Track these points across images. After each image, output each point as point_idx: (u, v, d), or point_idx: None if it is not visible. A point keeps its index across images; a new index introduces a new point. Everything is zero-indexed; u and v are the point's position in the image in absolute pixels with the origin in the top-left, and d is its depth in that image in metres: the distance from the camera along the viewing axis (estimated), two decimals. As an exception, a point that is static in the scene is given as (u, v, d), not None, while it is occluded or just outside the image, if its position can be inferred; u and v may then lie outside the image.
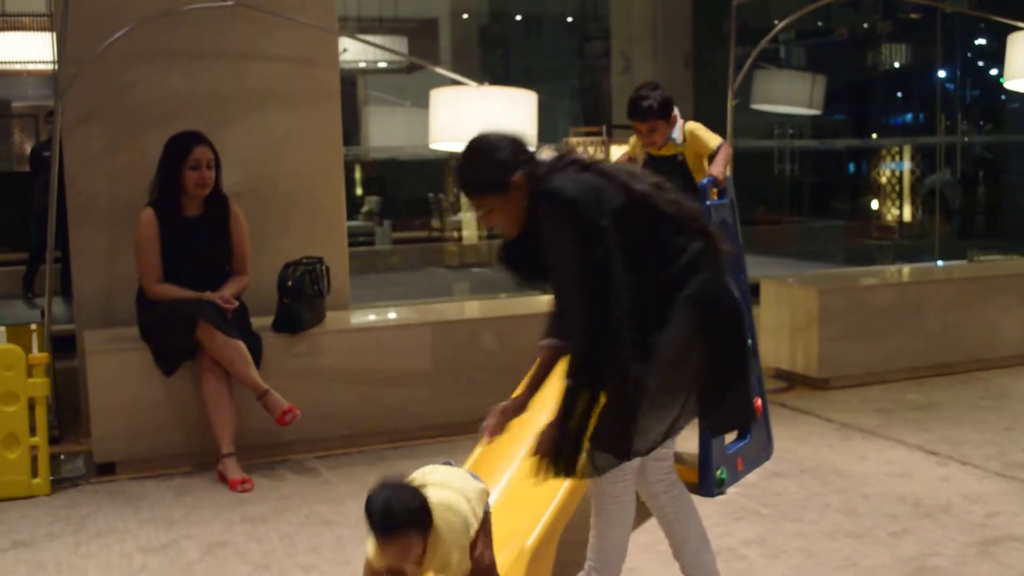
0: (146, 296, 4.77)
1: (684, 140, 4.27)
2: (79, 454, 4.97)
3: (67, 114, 5.07)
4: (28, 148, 10.53)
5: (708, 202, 4.21)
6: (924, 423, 5.22)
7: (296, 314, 4.90)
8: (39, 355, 4.50)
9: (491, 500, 3.54)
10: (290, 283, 4.90)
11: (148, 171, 4.85)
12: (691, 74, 13.47)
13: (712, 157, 4.26)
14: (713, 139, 4.24)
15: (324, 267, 5.14)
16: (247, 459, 4.65)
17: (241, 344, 4.56)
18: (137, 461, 4.69)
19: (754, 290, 5.79)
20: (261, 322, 4.91)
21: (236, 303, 4.73)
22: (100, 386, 4.63)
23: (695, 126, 4.26)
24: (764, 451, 4.66)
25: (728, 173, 4.34)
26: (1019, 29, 6.05)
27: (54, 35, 5.10)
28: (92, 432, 4.67)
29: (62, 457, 4.91)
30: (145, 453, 4.70)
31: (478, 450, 3.70)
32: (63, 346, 5.57)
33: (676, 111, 4.26)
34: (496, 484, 3.63)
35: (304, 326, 4.94)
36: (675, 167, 4.25)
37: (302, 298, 4.93)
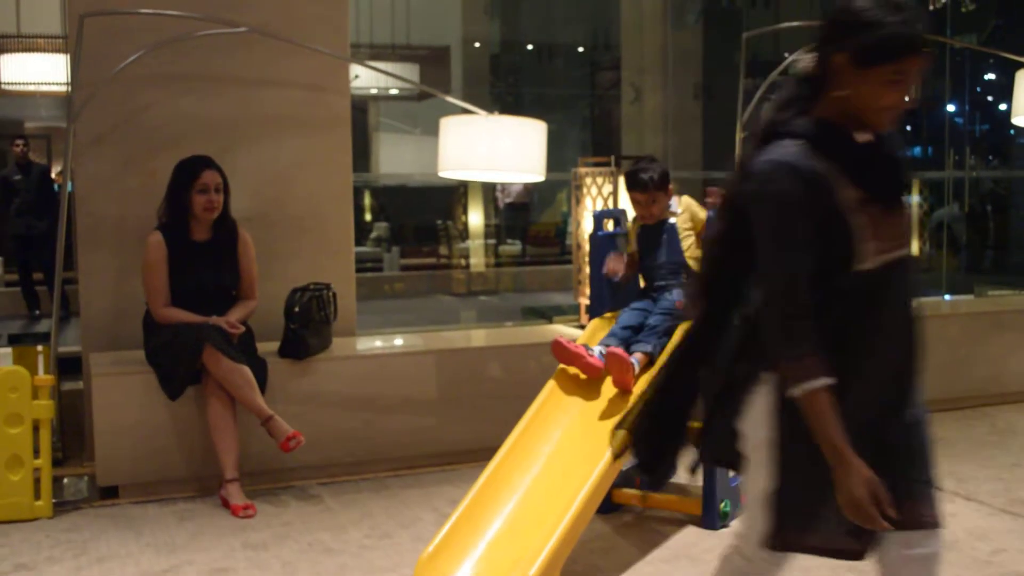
0: (153, 319, 4.78)
1: (681, 211, 4.32)
2: (82, 477, 4.97)
3: (79, 136, 5.10)
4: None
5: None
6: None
7: (302, 340, 4.90)
8: (44, 377, 4.51)
9: (494, 528, 3.55)
10: (297, 309, 4.91)
11: (158, 195, 4.86)
12: (701, 105, 13.52)
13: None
14: (702, 211, 4.32)
15: (331, 293, 5.15)
16: (250, 485, 4.64)
17: (246, 369, 4.56)
18: (140, 485, 4.68)
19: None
20: (267, 347, 4.92)
21: (242, 328, 4.74)
22: (104, 409, 4.63)
23: (689, 200, 4.33)
24: (769, 484, 4.63)
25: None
26: (1028, 66, 6.06)
27: (68, 57, 5.13)
28: (96, 455, 4.67)
29: (65, 480, 4.91)
30: (148, 477, 4.69)
31: (483, 477, 3.69)
32: (69, 368, 5.58)
33: (672, 184, 4.35)
34: (500, 512, 3.61)
35: (310, 352, 4.94)
36: (666, 230, 4.27)
37: (308, 324, 4.93)
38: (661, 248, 4.25)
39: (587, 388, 4.06)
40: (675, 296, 4.18)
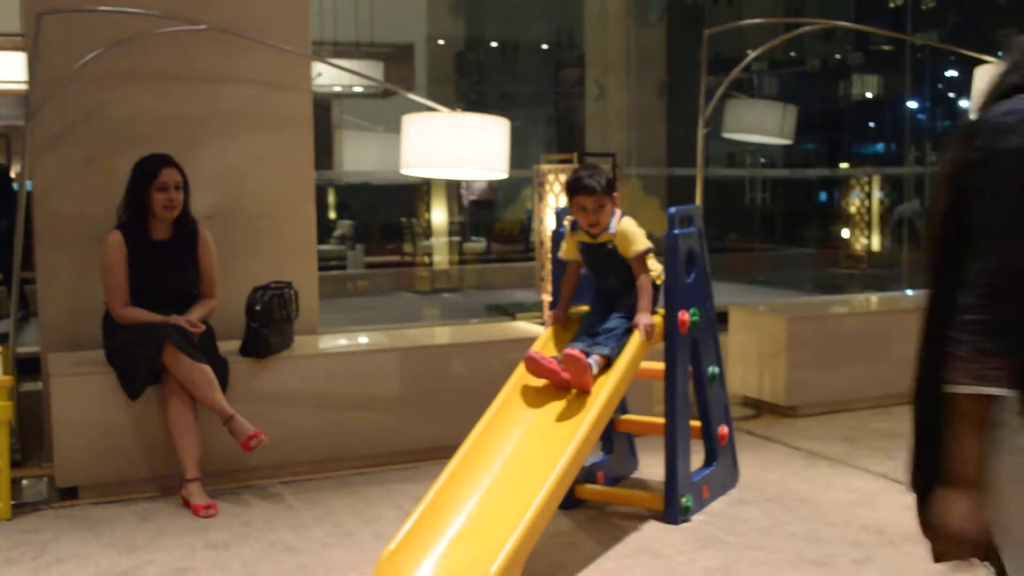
0: (112, 319, 4.75)
1: (615, 230, 4.19)
2: (41, 478, 4.92)
3: (37, 135, 5.05)
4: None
5: (676, 231, 4.24)
6: (889, 451, 5.25)
7: (263, 338, 4.89)
8: (2, 378, 4.46)
9: (456, 525, 3.56)
10: (258, 307, 4.89)
11: (117, 194, 4.83)
12: (664, 103, 13.58)
13: (634, 263, 4.18)
14: (639, 243, 4.16)
15: (293, 291, 5.13)
16: (212, 484, 4.62)
17: (207, 368, 4.54)
18: (100, 486, 4.65)
19: (722, 318, 5.81)
20: (228, 346, 4.90)
21: (203, 327, 4.71)
22: (64, 409, 4.59)
23: (627, 224, 4.19)
24: (730, 478, 4.67)
25: (698, 203, 4.36)
26: (986, 62, 6.13)
27: (26, 55, 5.09)
28: (55, 456, 4.63)
29: (24, 481, 4.87)
30: (108, 478, 4.66)
31: (444, 475, 3.69)
32: (28, 369, 5.53)
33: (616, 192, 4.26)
34: (462, 510, 3.62)
35: (272, 351, 4.92)
36: (608, 253, 4.20)
37: (270, 323, 4.92)
38: (608, 269, 4.23)
39: (549, 386, 4.08)
40: (633, 300, 4.19)
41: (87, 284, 5.03)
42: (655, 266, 4.26)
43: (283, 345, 5.02)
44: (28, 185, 5.14)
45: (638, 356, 4.15)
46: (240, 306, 4.92)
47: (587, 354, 4.03)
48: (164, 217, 4.77)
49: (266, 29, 5.35)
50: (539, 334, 4.40)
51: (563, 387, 4.03)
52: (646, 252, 4.20)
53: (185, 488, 4.49)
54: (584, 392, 3.98)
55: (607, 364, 4.06)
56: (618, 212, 4.24)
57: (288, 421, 4.89)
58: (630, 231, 4.19)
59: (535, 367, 4.01)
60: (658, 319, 4.24)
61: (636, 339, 4.12)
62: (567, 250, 4.35)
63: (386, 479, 4.88)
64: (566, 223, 4.36)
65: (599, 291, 4.34)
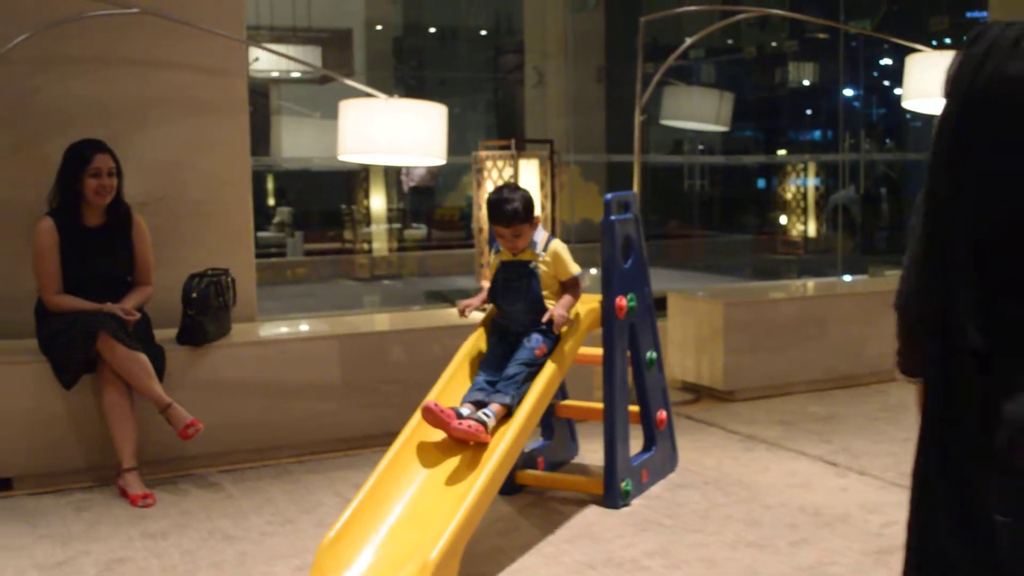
0: (45, 307, 4.67)
1: (545, 249, 4.11)
2: (-26, 469, 4.84)
3: (-35, 120, 4.96)
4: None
5: (612, 216, 4.26)
6: (825, 435, 5.33)
7: (200, 326, 4.84)
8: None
9: (396, 512, 3.55)
10: (194, 295, 4.84)
11: (48, 180, 4.75)
12: (603, 89, 13.62)
13: (565, 285, 4.14)
14: (573, 266, 4.11)
15: (230, 279, 5.08)
16: (149, 474, 4.57)
17: (143, 356, 4.49)
18: (35, 476, 4.58)
19: (660, 303, 5.85)
20: (165, 334, 4.84)
21: (138, 315, 4.65)
22: (-4, 399, 4.52)
23: (559, 247, 4.13)
24: (669, 462, 4.71)
25: (635, 190, 4.37)
26: (917, 51, 6.22)
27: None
28: (-13, 446, 4.56)
29: (-44, 472, 4.78)
30: (43, 468, 4.59)
31: (384, 462, 3.69)
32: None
33: (537, 213, 4.14)
34: (402, 496, 3.62)
35: (208, 338, 4.88)
36: (527, 273, 4.08)
37: (207, 310, 4.87)
38: (521, 292, 4.08)
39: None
40: (534, 343, 4.01)
41: (18, 272, 4.94)
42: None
43: (220, 333, 4.98)
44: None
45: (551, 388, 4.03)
46: (176, 294, 4.87)
47: (485, 403, 3.84)
48: (97, 203, 4.70)
49: (201, 13, 5.28)
50: (477, 321, 4.36)
51: (460, 441, 3.79)
52: (575, 282, 4.13)
53: (122, 478, 4.44)
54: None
55: (507, 413, 3.84)
56: (545, 233, 4.16)
57: (226, 409, 4.86)
58: (563, 254, 4.10)
59: (433, 419, 3.73)
60: (594, 306, 4.26)
61: (545, 376, 3.97)
62: (490, 270, 4.24)
63: (326, 467, 4.86)
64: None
65: (500, 327, 4.16)
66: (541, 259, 4.09)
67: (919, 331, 1.92)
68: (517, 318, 4.10)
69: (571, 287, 4.14)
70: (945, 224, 1.83)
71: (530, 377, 3.95)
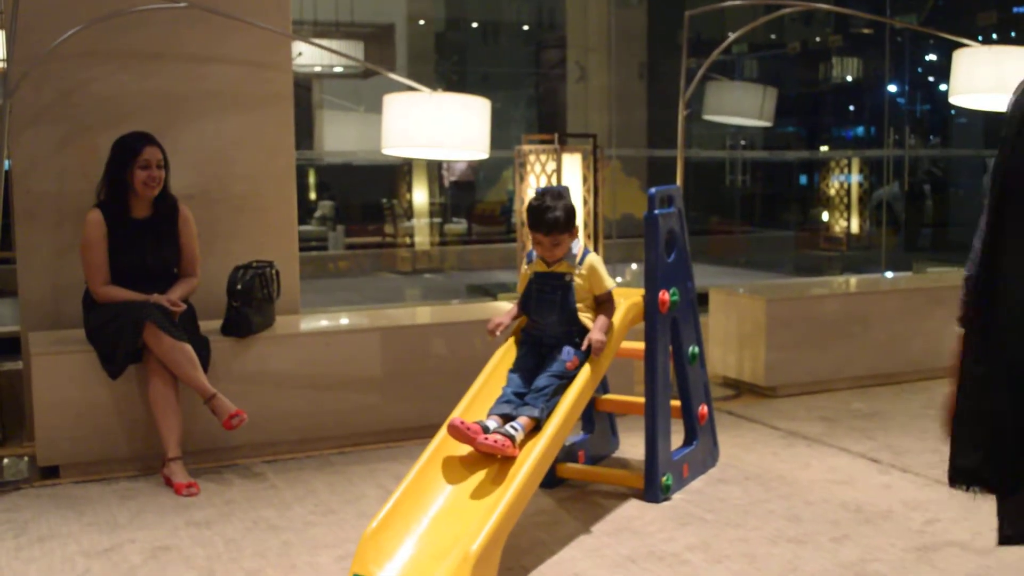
0: (93, 298, 4.74)
1: (581, 262, 4.03)
2: (23, 457, 4.92)
3: (16, 113, 5.02)
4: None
5: (656, 211, 4.26)
6: (868, 431, 5.29)
7: (245, 318, 4.88)
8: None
9: (438, 504, 3.57)
10: (239, 286, 4.89)
11: (97, 172, 4.82)
12: (645, 84, 13.58)
13: (599, 300, 4.07)
14: (608, 281, 4.05)
15: (274, 271, 5.13)
16: (193, 463, 4.62)
17: (188, 347, 4.54)
18: (81, 465, 4.65)
19: (702, 299, 5.84)
20: (210, 325, 4.89)
21: (184, 306, 4.71)
22: (45, 389, 4.58)
23: (595, 260, 4.05)
24: (710, 457, 4.70)
25: (678, 183, 4.36)
26: (965, 46, 6.15)
27: (3, 32, 5.05)
28: (36, 435, 4.63)
29: (5, 461, 4.86)
30: (90, 457, 4.65)
31: (426, 454, 3.71)
32: (8, 348, 5.51)
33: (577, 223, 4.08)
34: (443, 488, 3.63)
35: (253, 330, 4.92)
36: (562, 286, 4.01)
37: (251, 302, 4.91)
38: (555, 304, 4.00)
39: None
40: (566, 356, 3.94)
41: (67, 263, 5.02)
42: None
43: (264, 324, 5.02)
44: (7, 164, 5.11)
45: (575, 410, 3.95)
46: (221, 285, 4.92)
47: (513, 417, 3.77)
48: (145, 195, 4.76)
49: (247, 8, 5.32)
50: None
51: (487, 454, 3.71)
52: (609, 300, 4.08)
53: (167, 467, 4.49)
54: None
55: (536, 427, 3.77)
56: (581, 244, 4.09)
57: (270, 400, 4.90)
58: (599, 268, 4.04)
59: (458, 434, 3.66)
60: (637, 300, 4.26)
61: (579, 384, 3.92)
62: (520, 282, 4.18)
63: (368, 458, 4.90)
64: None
65: (532, 338, 4.08)
66: (577, 272, 4.02)
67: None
68: (550, 330, 4.03)
69: (606, 303, 4.08)
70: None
71: (560, 390, 3.87)
